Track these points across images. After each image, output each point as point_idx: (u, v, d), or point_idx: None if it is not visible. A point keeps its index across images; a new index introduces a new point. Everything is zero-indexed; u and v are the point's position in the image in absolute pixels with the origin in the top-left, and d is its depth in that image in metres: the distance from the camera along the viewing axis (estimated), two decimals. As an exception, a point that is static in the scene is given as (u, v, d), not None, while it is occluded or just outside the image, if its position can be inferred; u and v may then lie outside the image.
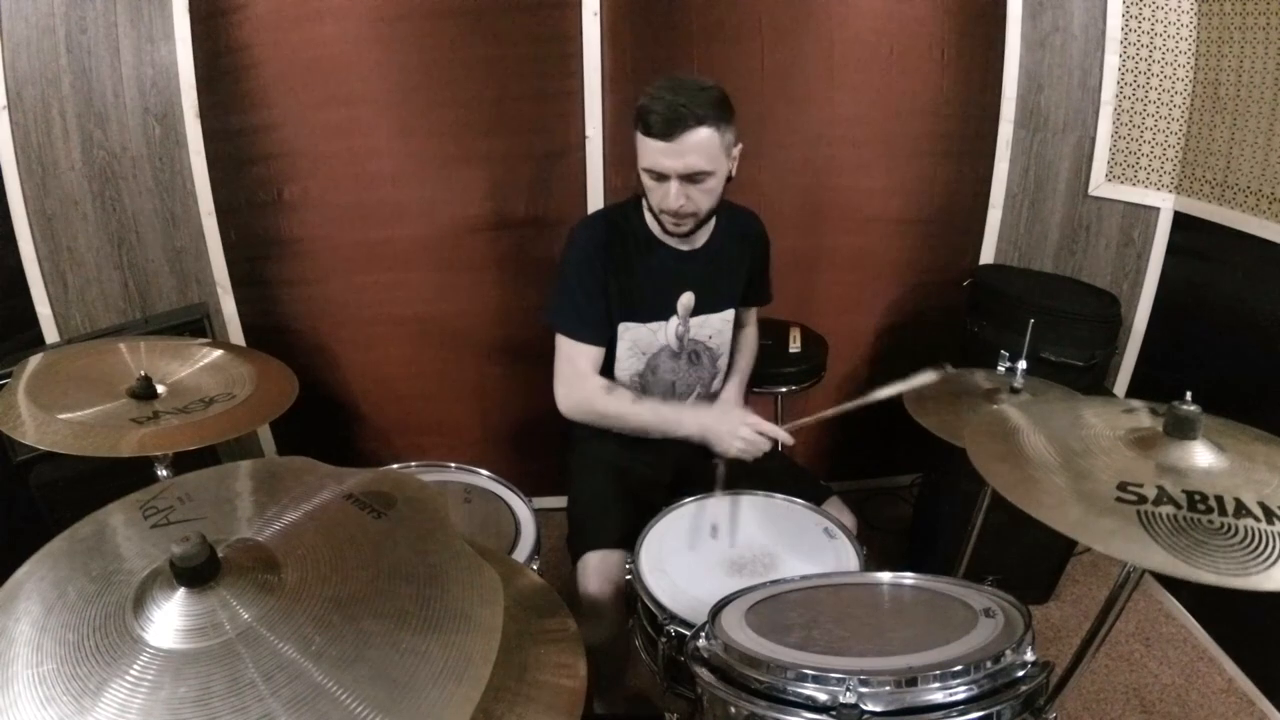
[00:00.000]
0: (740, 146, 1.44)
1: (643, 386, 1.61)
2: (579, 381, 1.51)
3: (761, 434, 1.42)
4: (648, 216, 1.53)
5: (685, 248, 1.54)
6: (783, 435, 1.43)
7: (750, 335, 1.81)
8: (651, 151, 1.35)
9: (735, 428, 1.42)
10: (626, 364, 1.58)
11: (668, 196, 1.38)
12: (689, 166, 1.35)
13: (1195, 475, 0.95)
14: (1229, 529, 0.85)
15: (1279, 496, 0.90)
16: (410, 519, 0.83)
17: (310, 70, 2.07)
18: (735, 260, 1.62)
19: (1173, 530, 0.86)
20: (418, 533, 0.81)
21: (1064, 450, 1.02)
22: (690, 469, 1.62)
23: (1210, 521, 0.87)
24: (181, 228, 2.19)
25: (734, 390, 1.69)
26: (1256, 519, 0.86)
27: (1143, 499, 0.90)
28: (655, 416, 1.50)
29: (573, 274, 1.49)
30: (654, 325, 1.56)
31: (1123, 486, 0.93)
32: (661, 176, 1.37)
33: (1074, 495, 0.93)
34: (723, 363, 1.68)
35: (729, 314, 1.63)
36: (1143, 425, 1.05)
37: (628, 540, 1.38)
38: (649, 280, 1.53)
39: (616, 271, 1.49)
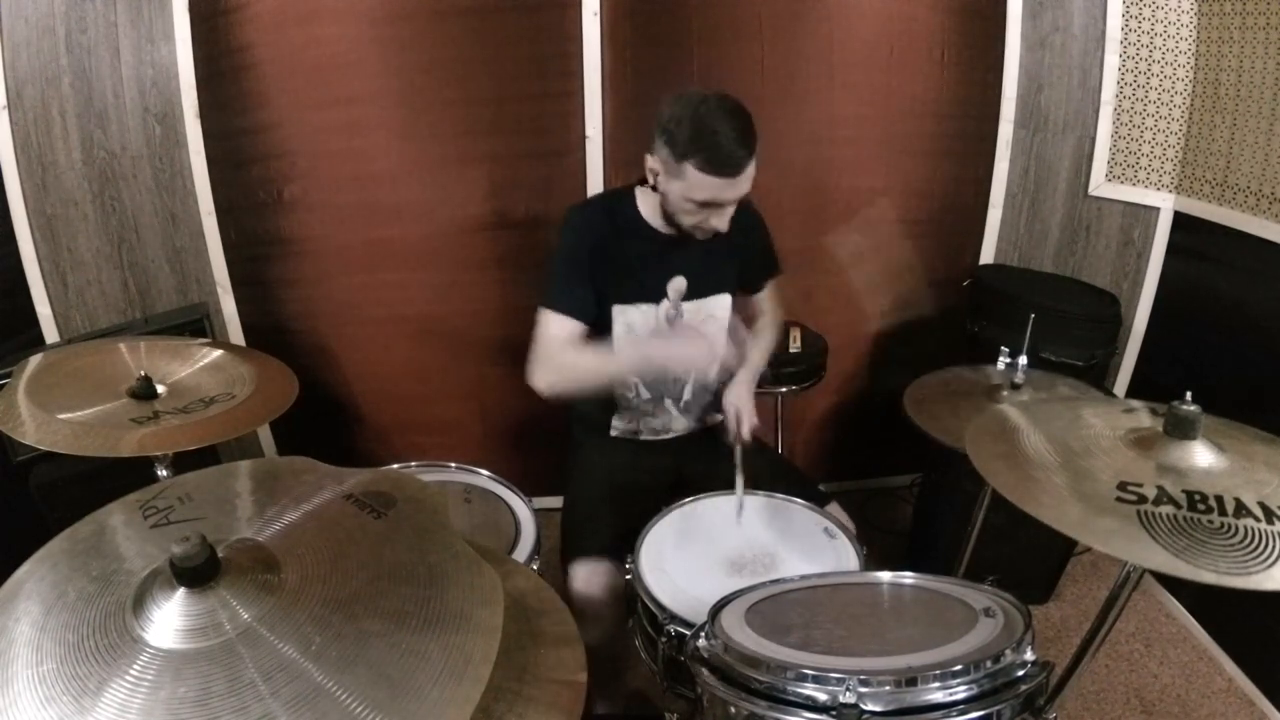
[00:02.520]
0: None
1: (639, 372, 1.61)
2: (548, 348, 1.48)
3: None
4: (643, 209, 1.53)
5: (677, 233, 1.54)
6: (740, 332, 1.57)
7: (766, 323, 1.75)
8: (711, 186, 1.36)
9: (694, 340, 1.54)
10: (623, 350, 1.58)
11: (716, 219, 1.42)
12: (741, 194, 1.40)
13: (1195, 475, 0.95)
14: (1229, 529, 0.86)
15: (1279, 496, 0.90)
16: (410, 519, 0.83)
17: (310, 70, 2.07)
18: (727, 246, 1.60)
19: (1173, 530, 0.86)
20: (418, 533, 0.81)
21: (1064, 450, 1.02)
22: (690, 475, 1.62)
23: (1210, 521, 0.87)
24: (181, 227, 2.19)
25: (743, 387, 1.62)
26: (1256, 519, 0.86)
27: (1143, 499, 0.90)
28: (618, 359, 1.54)
29: (561, 253, 1.51)
30: (645, 308, 1.56)
31: (1123, 486, 0.93)
32: (709, 204, 1.40)
33: (1074, 495, 0.93)
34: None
35: (725, 300, 1.62)
36: (1143, 425, 1.05)
37: (618, 549, 1.38)
38: (640, 263, 1.53)
39: (608, 253, 1.50)
